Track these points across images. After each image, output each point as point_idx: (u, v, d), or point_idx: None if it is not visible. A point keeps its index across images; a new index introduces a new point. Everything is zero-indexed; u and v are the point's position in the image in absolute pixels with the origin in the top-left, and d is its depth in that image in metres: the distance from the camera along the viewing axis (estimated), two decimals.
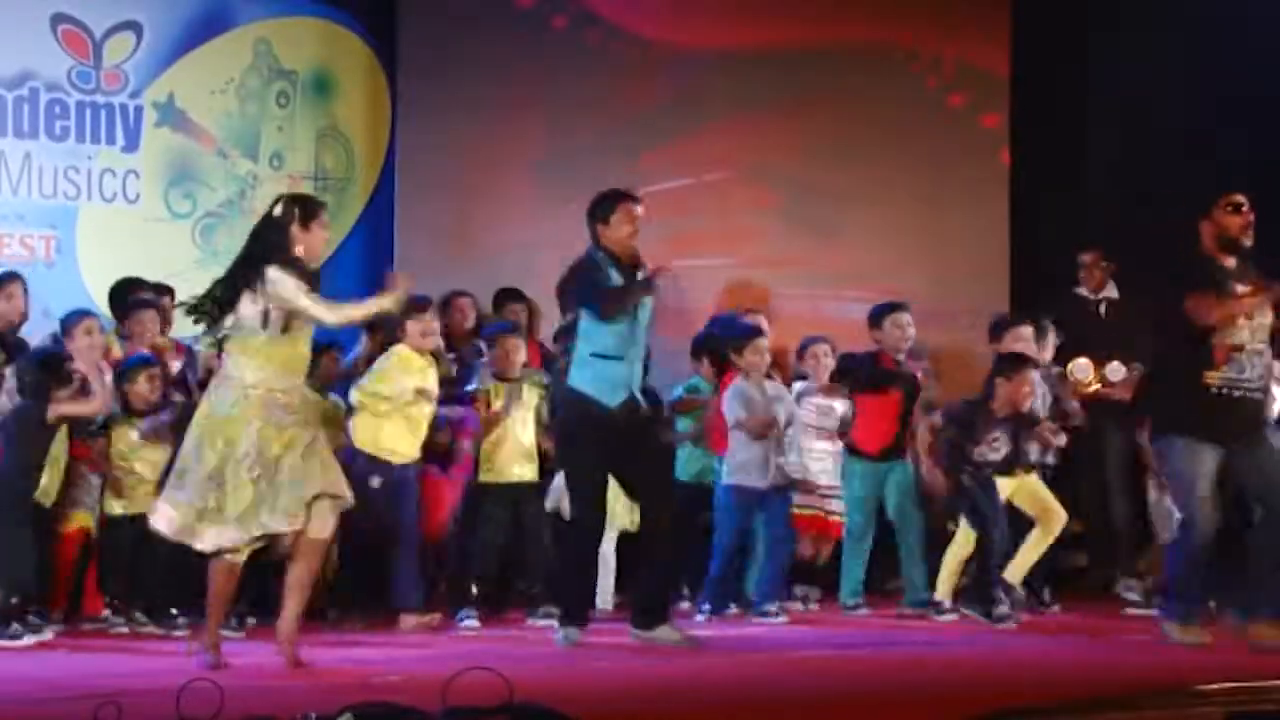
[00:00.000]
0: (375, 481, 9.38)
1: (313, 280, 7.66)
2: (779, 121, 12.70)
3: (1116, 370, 11.03)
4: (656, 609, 8.55)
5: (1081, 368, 10.52)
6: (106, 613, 9.40)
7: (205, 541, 7.56)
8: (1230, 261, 8.41)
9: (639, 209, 8.59)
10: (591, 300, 8.49)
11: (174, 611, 9.24)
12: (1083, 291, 11.73)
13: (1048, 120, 12.92)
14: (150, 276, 10.65)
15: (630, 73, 12.53)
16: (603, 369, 8.49)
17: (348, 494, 7.71)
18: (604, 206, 8.62)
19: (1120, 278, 11.70)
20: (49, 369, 9.02)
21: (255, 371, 7.58)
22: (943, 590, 9.85)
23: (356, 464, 9.15)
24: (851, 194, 12.82)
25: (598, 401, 8.48)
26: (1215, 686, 6.89)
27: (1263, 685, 6.95)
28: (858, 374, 10.31)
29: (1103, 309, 11.68)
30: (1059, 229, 12.64)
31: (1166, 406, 8.36)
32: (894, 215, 12.91)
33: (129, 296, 10.25)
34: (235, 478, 7.49)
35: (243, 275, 7.68)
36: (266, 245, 7.68)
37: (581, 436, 8.56)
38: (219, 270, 11.54)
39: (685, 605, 9.89)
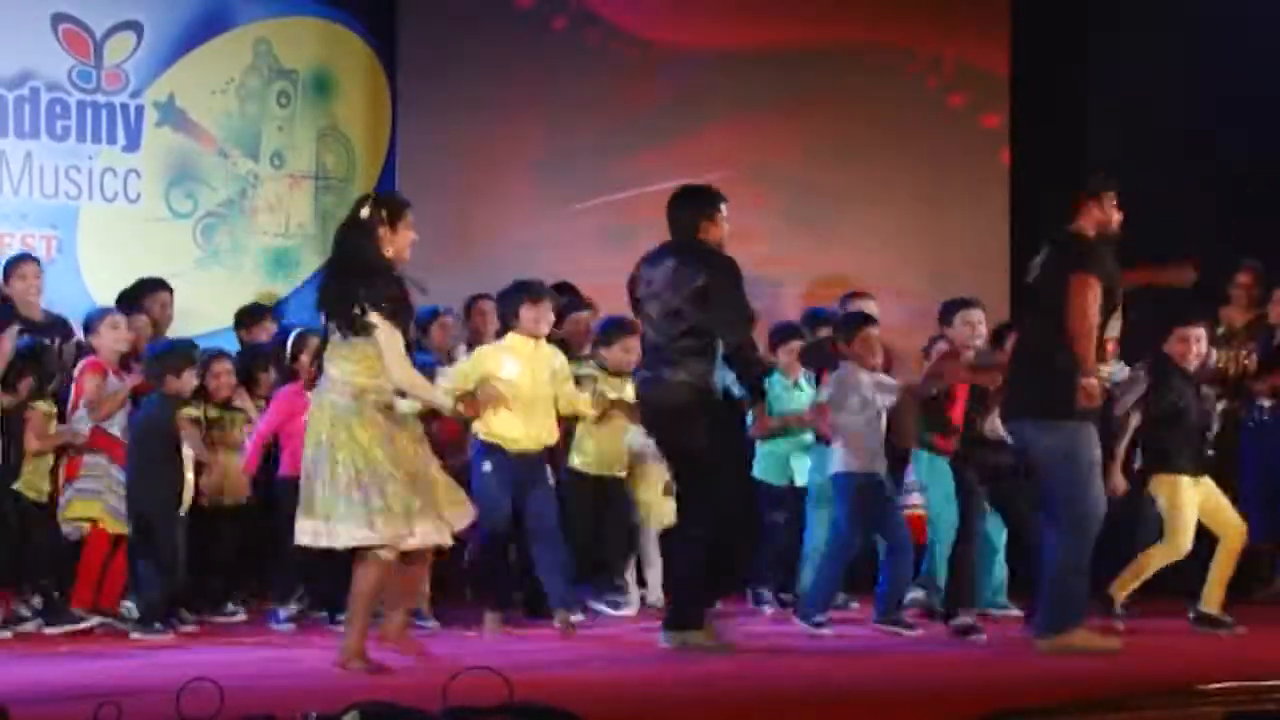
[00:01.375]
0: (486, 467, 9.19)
1: (403, 287, 7.55)
2: (779, 121, 12.71)
3: (1116, 370, 11.03)
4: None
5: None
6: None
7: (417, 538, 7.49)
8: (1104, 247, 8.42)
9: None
10: (746, 329, 8.46)
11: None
12: None
13: (1048, 120, 12.91)
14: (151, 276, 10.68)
15: (630, 73, 12.54)
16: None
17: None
18: (710, 201, 8.66)
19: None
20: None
21: (368, 378, 7.49)
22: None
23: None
24: (852, 194, 12.83)
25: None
26: (1215, 686, 6.90)
27: (1263, 685, 6.96)
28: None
29: None
30: (1060, 227, 12.61)
31: (1063, 392, 8.10)
32: (894, 215, 12.91)
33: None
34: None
35: (344, 285, 7.50)
36: (356, 250, 7.56)
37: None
38: (220, 269, 11.81)
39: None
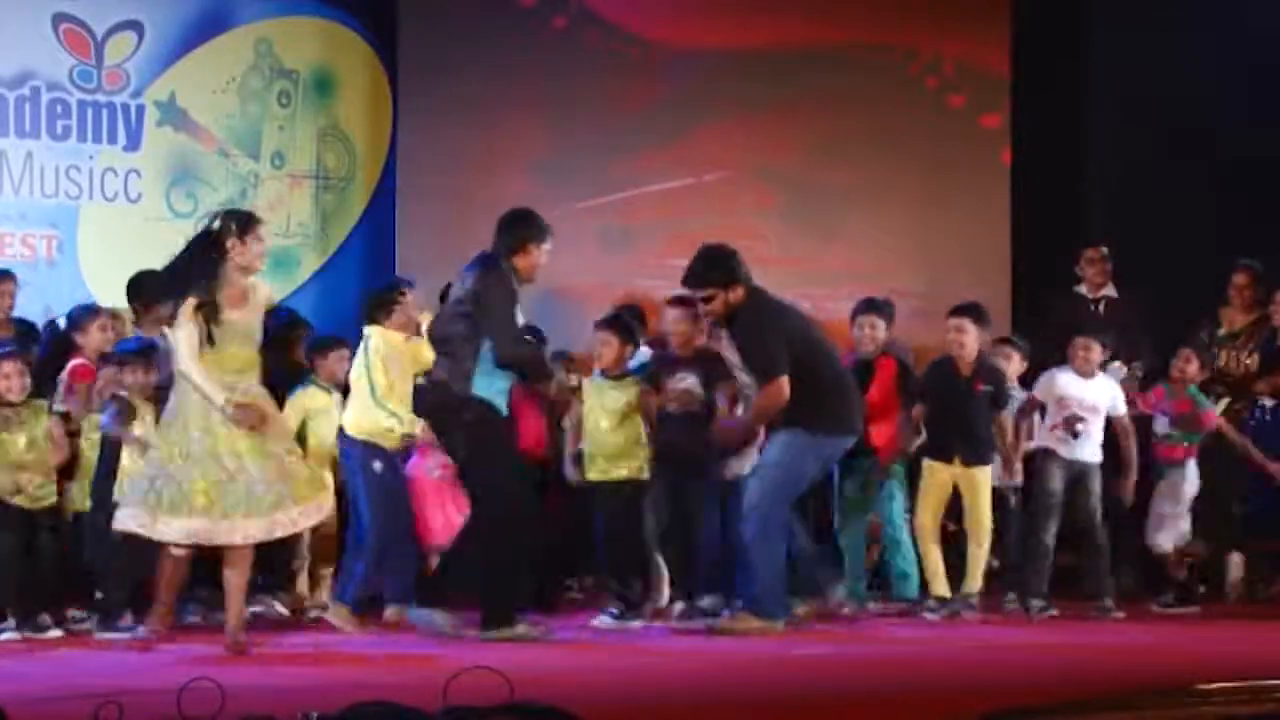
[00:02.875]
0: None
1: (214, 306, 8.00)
2: (779, 121, 12.71)
3: (1116, 370, 11.03)
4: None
5: (1114, 370, 10.49)
6: None
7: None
8: None
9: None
10: (511, 349, 8.63)
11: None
12: (1082, 290, 11.72)
13: (1048, 120, 12.91)
14: None
15: (630, 73, 12.53)
16: (504, 382, 8.64)
17: None
18: (526, 234, 8.83)
19: (1120, 277, 11.70)
20: None
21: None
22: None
23: None
24: (852, 194, 12.83)
25: (500, 411, 8.61)
26: (1215, 686, 6.90)
27: (1263, 685, 6.96)
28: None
29: (1101, 308, 11.67)
30: (1059, 229, 12.63)
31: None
32: (894, 215, 12.91)
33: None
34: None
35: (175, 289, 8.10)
36: (197, 259, 8.09)
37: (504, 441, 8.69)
38: None
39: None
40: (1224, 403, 10.21)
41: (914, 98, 12.99)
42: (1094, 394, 10.04)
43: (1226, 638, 9.10)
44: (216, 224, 8.14)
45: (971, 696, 6.66)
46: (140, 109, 11.71)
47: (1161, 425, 10.31)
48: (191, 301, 7.95)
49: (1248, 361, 11.06)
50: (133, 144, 11.69)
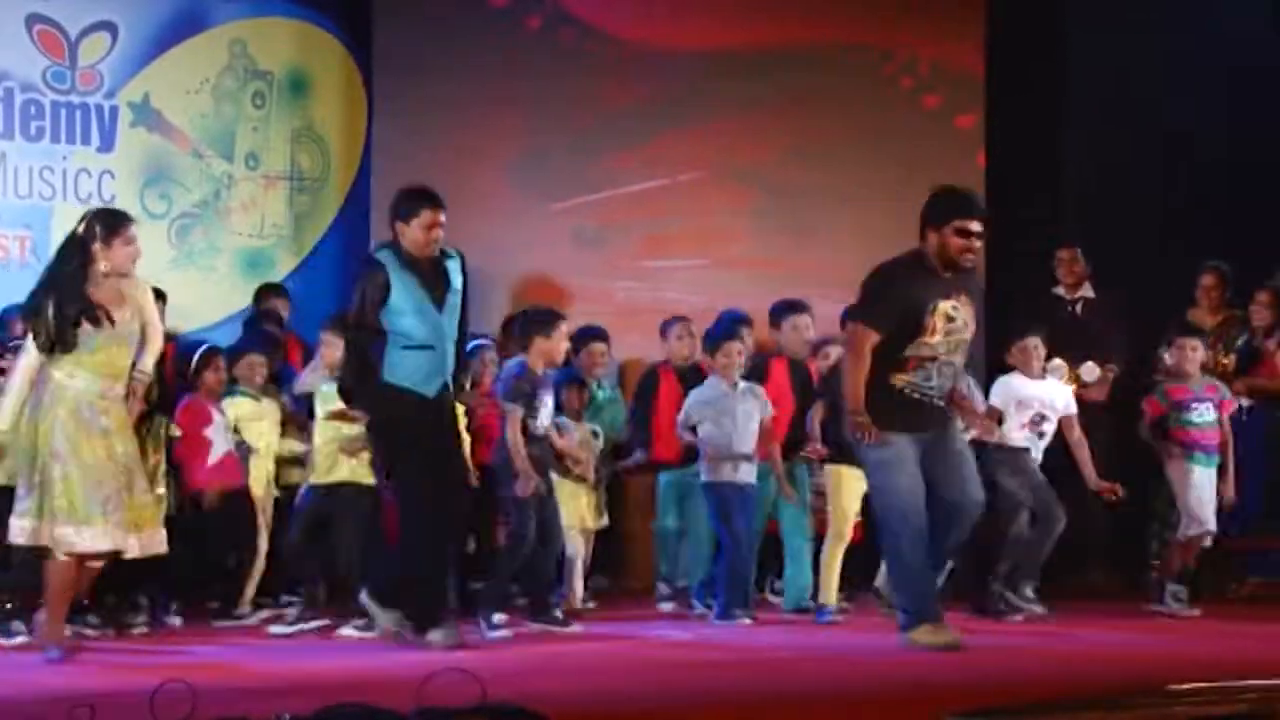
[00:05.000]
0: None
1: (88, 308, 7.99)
2: (754, 122, 12.72)
3: (1091, 370, 11.07)
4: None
5: (1056, 368, 10.54)
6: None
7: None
8: (946, 274, 8.35)
9: (442, 215, 8.65)
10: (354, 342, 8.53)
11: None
12: (1059, 291, 11.76)
13: (1023, 120, 12.94)
14: None
15: (605, 73, 12.53)
16: (418, 360, 8.45)
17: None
18: (406, 206, 8.63)
19: (1096, 278, 11.73)
20: None
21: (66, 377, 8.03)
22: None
23: None
24: (827, 195, 12.83)
25: (415, 392, 8.43)
26: (1186, 687, 6.91)
27: (1232, 685, 6.98)
28: None
29: (1078, 309, 11.71)
30: (1035, 229, 12.66)
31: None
32: (869, 216, 12.89)
33: None
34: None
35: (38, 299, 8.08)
36: (57, 265, 8.17)
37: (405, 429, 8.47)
38: (195, 270, 11.82)
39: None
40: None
41: (889, 98, 13.00)
42: (1050, 393, 10.10)
43: (1197, 637, 9.12)
44: (81, 227, 8.13)
45: (944, 696, 6.67)
46: (114, 110, 11.69)
47: (1198, 413, 10.25)
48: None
49: (1225, 361, 11.10)
50: (106, 145, 11.67)
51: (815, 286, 12.36)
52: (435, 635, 8.30)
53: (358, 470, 9.40)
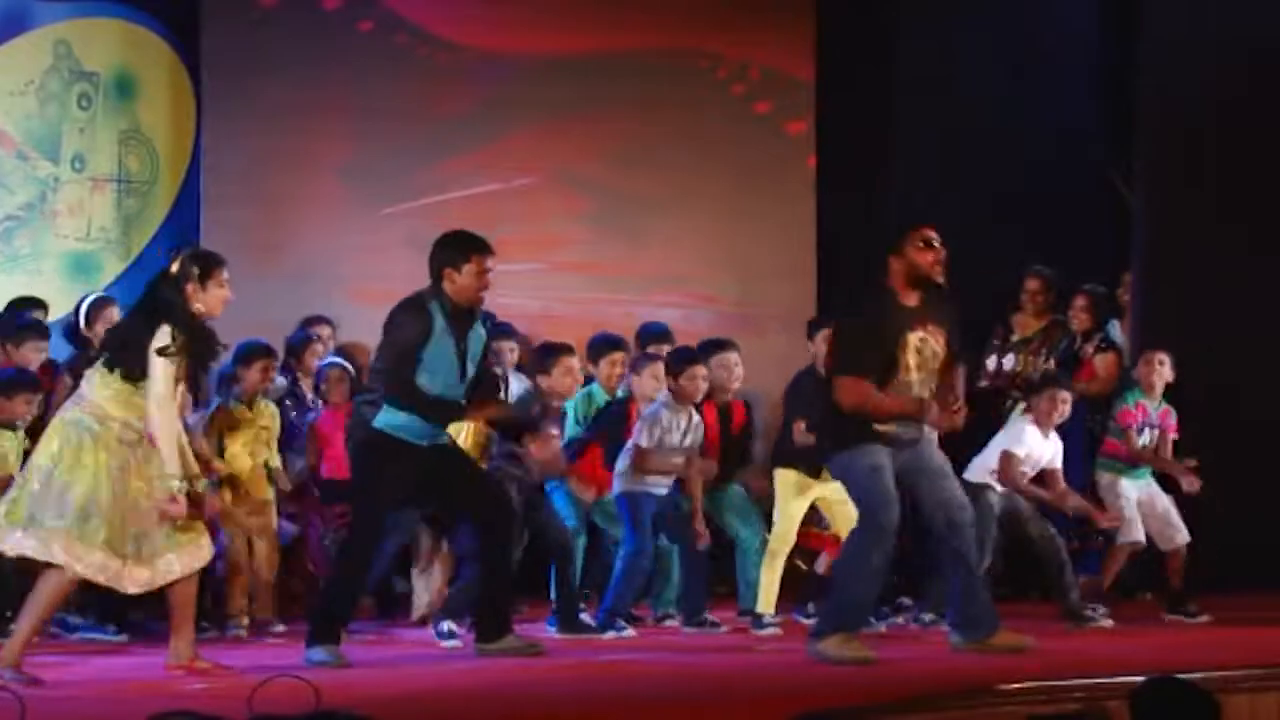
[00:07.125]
0: None
1: (209, 341, 7.79)
2: (587, 127, 12.74)
3: None
4: (503, 622, 8.45)
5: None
6: None
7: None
8: (914, 299, 8.29)
9: (490, 260, 8.44)
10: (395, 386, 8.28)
11: None
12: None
13: (854, 125, 13.03)
14: None
15: (438, 77, 12.48)
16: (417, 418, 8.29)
17: None
18: (455, 252, 8.40)
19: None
20: None
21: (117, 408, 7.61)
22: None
23: None
24: (660, 199, 12.88)
25: (407, 443, 8.25)
26: (1014, 686, 7.02)
27: (1060, 684, 7.10)
28: None
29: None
30: (866, 232, 12.76)
31: (843, 432, 8.16)
32: (703, 221, 12.99)
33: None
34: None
35: (141, 328, 7.67)
36: (161, 300, 7.72)
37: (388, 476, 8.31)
38: (21, 274, 11.63)
39: None
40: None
41: (721, 104, 13.07)
42: (1051, 451, 9.94)
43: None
44: (175, 266, 7.78)
45: (777, 701, 6.72)
46: None
47: (1143, 436, 10.26)
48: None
49: (1046, 366, 11.26)
50: None
51: (649, 292, 12.46)
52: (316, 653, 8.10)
53: None
